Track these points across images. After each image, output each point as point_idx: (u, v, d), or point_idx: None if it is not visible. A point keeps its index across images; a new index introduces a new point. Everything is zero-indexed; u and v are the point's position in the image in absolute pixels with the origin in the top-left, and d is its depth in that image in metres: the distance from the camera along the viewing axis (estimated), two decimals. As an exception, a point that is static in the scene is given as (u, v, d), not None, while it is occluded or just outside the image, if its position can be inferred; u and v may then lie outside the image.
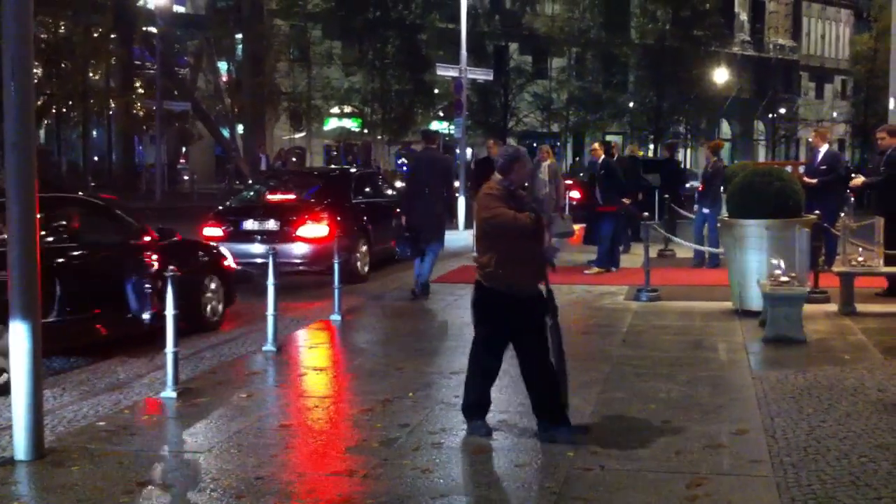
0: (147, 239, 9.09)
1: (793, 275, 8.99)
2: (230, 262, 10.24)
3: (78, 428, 6.22)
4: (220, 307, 9.92)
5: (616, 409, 6.56)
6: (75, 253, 8.41)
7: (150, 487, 5.07)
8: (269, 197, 14.14)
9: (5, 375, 6.28)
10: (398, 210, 13.02)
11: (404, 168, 41.07)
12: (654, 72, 45.83)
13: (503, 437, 5.94)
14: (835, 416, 6.31)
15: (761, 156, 60.40)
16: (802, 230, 9.25)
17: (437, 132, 13.36)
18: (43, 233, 7.70)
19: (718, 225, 11.96)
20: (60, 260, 8.08)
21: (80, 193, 10.20)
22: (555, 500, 4.84)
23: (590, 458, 5.48)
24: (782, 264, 8.80)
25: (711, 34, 48.40)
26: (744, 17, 62.52)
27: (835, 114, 66.02)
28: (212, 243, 11.08)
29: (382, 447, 5.74)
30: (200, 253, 10.15)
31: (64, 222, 8.53)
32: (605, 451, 5.60)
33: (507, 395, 7.01)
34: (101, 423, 6.30)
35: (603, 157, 13.99)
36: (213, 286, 9.80)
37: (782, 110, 60.91)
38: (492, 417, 6.33)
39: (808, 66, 67.40)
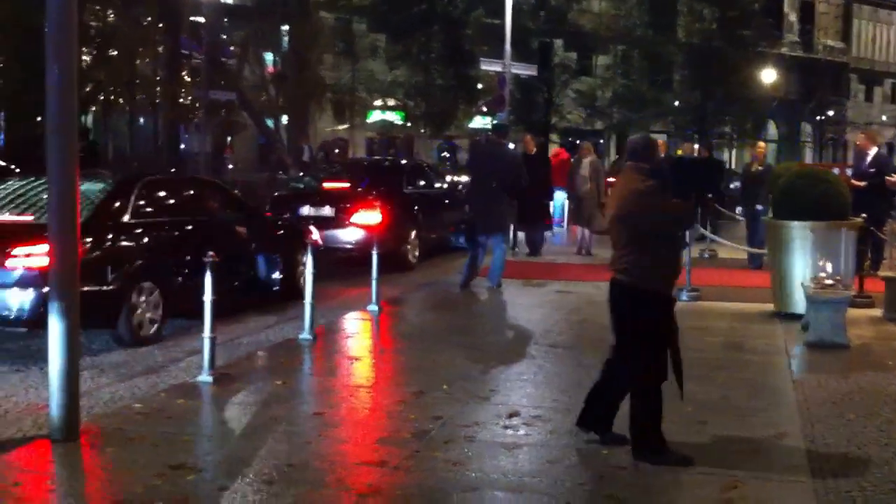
0: (265, 217, 10.75)
1: (837, 278, 8.84)
2: (317, 238, 10.52)
3: (114, 409, 6.26)
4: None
5: (652, 408, 6.46)
6: (220, 227, 9.89)
7: (181, 471, 5.08)
8: (325, 185, 14.54)
9: None
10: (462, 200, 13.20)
11: (447, 162, 41.04)
12: (700, 71, 45.29)
13: (536, 433, 5.88)
14: (876, 423, 6.19)
15: (808, 158, 59.55)
16: (848, 233, 9.08)
17: (507, 127, 13.39)
18: (197, 211, 9.76)
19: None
20: (214, 232, 9.57)
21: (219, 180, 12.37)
22: (587, 498, 4.79)
23: (623, 457, 5.41)
24: (829, 267, 8.65)
25: (759, 34, 47.75)
26: (793, 17, 61.60)
27: (884, 117, 64.86)
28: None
29: (414, 439, 5.71)
30: (297, 230, 11.03)
31: (211, 202, 10.17)
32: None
33: (542, 390, 6.99)
34: (136, 406, 6.33)
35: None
36: (305, 259, 10.14)
37: (830, 113, 60.00)
38: (525, 413, 6.29)
39: (858, 69, 66.30)
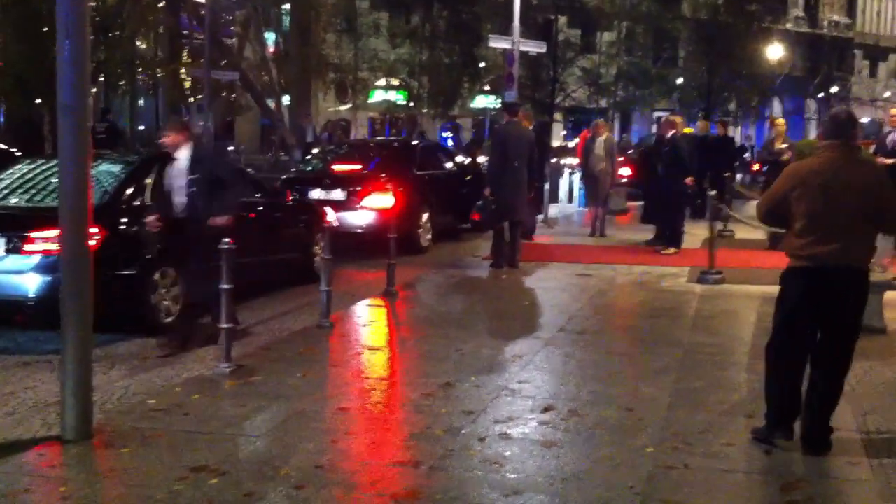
0: (282, 199, 10.82)
1: (873, 260, 8.49)
2: (332, 219, 10.16)
3: (128, 406, 5.95)
4: None
5: (694, 399, 6.15)
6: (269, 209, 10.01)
7: (203, 473, 4.76)
8: (335, 167, 14.03)
9: None
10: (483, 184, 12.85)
11: (449, 141, 40.58)
12: (706, 47, 44.78)
13: (574, 429, 5.56)
14: (932, 413, 5.88)
15: (812, 135, 59.07)
16: (885, 213, 8.72)
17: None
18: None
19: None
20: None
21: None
22: (640, 502, 4.47)
23: (672, 455, 5.09)
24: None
25: (765, 9, 47.19)
26: (798, -8, 61.02)
27: (888, 93, 64.29)
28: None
29: (447, 436, 5.39)
30: (315, 212, 10.80)
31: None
32: (688, 448, 5.21)
33: (574, 381, 6.66)
34: (151, 402, 6.01)
35: (672, 132, 13.36)
36: (322, 242, 9.88)
37: (835, 89, 59.48)
38: (561, 407, 5.98)
39: (863, 45, 65.70)
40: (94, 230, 5.51)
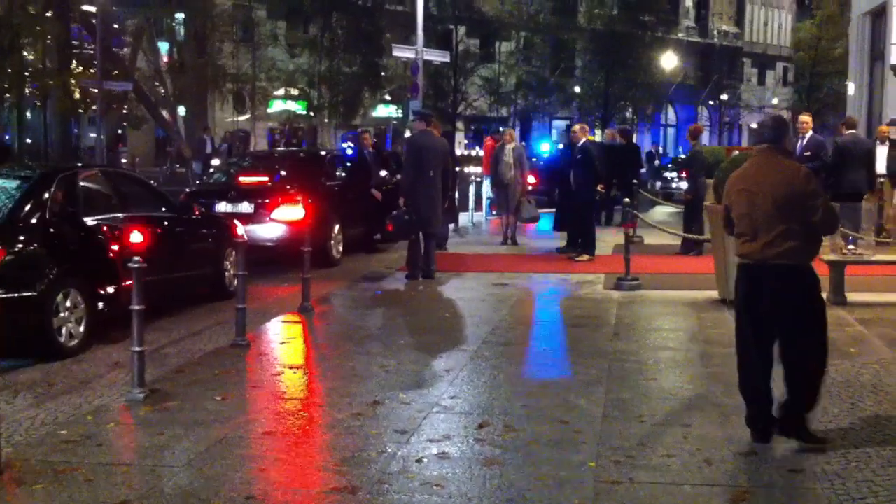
0: (191, 213, 10.43)
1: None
2: (243, 234, 9.78)
3: (37, 438, 5.54)
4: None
5: (629, 411, 6.05)
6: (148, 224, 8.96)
7: (126, 510, 4.44)
8: (242, 178, 13.57)
9: None
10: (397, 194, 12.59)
11: (348, 152, 40.21)
12: (602, 57, 45.58)
13: (513, 445, 5.39)
14: (863, 417, 5.91)
15: (705, 141, 60.60)
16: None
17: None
18: (122, 207, 8.95)
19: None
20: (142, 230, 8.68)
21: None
22: (590, 521, 4.33)
23: (615, 470, 4.97)
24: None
25: (658, 20, 48.31)
26: (689, 3, 62.67)
27: (775, 100, 66.49)
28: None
29: (382, 458, 5.16)
30: (224, 226, 10.49)
31: (135, 198, 9.38)
32: (630, 461, 5.09)
33: (505, 394, 6.51)
34: (62, 432, 5.62)
35: (583, 140, 13.41)
36: (232, 257, 9.91)
37: (725, 97, 61.20)
38: (496, 422, 5.81)
39: (752, 53, 67.87)
40: None
